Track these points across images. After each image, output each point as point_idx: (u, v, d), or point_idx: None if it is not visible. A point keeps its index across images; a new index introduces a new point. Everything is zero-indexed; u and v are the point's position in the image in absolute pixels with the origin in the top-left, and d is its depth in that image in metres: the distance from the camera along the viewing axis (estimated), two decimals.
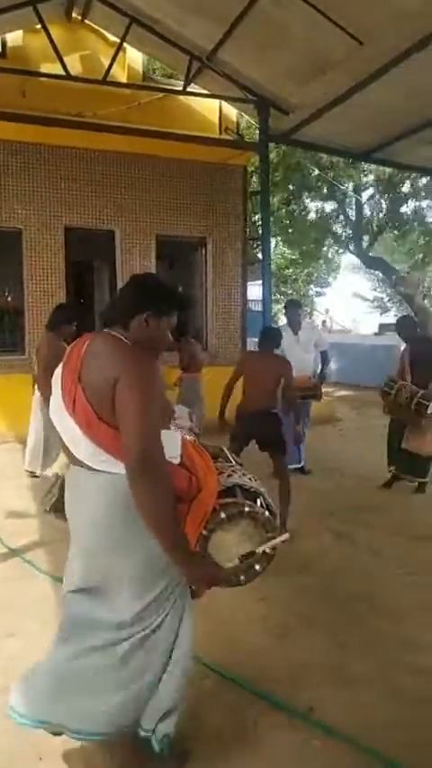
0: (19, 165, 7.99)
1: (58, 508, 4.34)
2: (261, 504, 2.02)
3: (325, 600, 3.27)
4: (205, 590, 1.96)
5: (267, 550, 1.95)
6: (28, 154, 8.00)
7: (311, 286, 25.73)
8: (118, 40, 7.71)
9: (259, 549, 1.92)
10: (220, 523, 1.89)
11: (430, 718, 2.28)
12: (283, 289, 22.37)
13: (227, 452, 2.38)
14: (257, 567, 1.98)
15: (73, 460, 1.83)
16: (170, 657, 1.86)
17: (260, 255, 9.34)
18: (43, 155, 8.02)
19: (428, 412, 5.01)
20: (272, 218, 10.99)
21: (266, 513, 2.00)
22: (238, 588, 3.38)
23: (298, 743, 2.13)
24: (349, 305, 36.46)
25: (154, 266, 8.71)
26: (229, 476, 2.07)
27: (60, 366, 1.85)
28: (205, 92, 8.41)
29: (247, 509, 1.94)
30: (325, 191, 14.79)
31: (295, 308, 6.21)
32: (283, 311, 6.42)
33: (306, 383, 5.82)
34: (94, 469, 1.75)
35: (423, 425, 5.12)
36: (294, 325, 6.02)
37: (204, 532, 1.86)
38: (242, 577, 1.97)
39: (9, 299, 8.37)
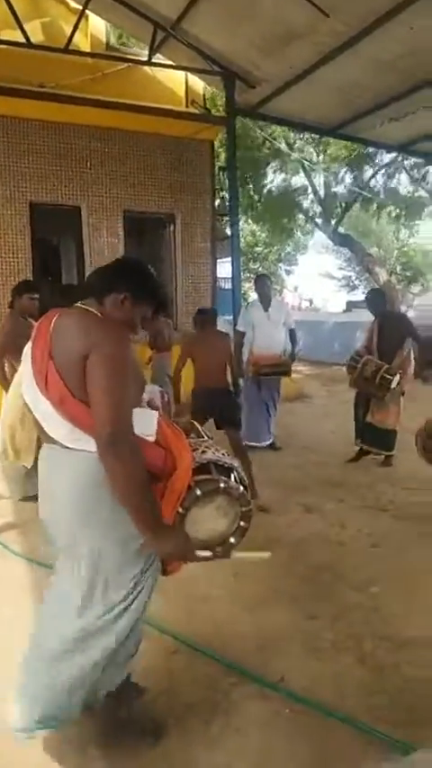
0: None
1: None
2: (235, 478, 2.04)
3: (295, 572, 3.34)
4: (180, 565, 1.97)
5: (242, 523, 2.00)
6: None
7: (281, 264, 25.76)
8: (80, 7, 7.45)
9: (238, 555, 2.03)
10: (195, 500, 1.90)
11: (395, 683, 2.36)
12: (252, 266, 22.35)
13: (198, 427, 2.39)
14: (232, 539, 2.02)
15: (46, 438, 1.81)
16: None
17: (229, 232, 9.26)
18: (5, 127, 7.74)
19: (392, 386, 5.11)
20: (240, 194, 10.90)
21: (241, 487, 2.02)
22: (212, 563, 3.45)
23: (270, 712, 2.19)
24: (317, 283, 36.59)
25: (122, 243, 8.57)
26: (203, 452, 2.08)
27: (30, 343, 1.81)
28: (170, 63, 8.22)
29: (222, 485, 1.96)
30: (291, 166, 14.71)
31: (265, 282, 6.17)
32: (253, 287, 6.40)
33: (276, 360, 5.86)
34: (68, 447, 1.73)
35: (387, 399, 5.22)
36: (265, 300, 5.99)
37: (181, 510, 1.86)
38: (219, 550, 2.00)
39: None
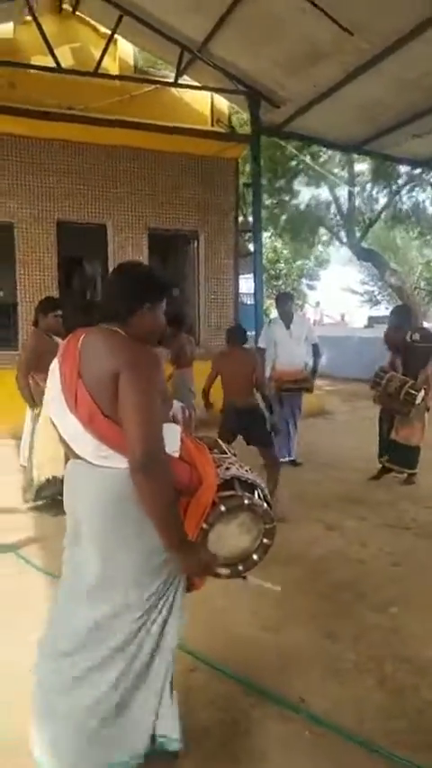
0: (10, 159, 7.95)
1: (50, 505, 4.41)
2: (258, 495, 2.05)
3: (314, 590, 3.31)
4: (203, 582, 1.98)
5: (265, 540, 2.01)
6: (19, 147, 7.97)
7: (303, 279, 25.77)
8: (109, 32, 7.67)
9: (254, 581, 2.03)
10: (219, 517, 1.91)
11: (416, 706, 2.33)
12: (274, 283, 22.40)
13: (221, 444, 2.41)
14: (255, 556, 2.03)
15: (72, 455, 1.83)
16: (154, 655, 1.84)
17: (252, 248, 9.34)
18: (34, 148, 7.99)
19: (417, 402, 5.07)
20: (263, 211, 10.98)
21: (265, 504, 2.03)
22: (229, 580, 3.45)
23: (289, 734, 2.18)
24: (340, 298, 36.49)
25: (146, 260, 8.71)
26: (227, 468, 2.08)
27: (56, 362, 1.84)
28: (197, 84, 8.39)
29: (246, 501, 1.96)
30: (315, 181, 14.78)
31: (287, 301, 6.20)
32: (275, 304, 6.42)
33: (298, 375, 5.86)
34: (95, 465, 1.76)
35: (412, 416, 5.18)
36: (287, 318, 6.02)
37: (205, 526, 1.87)
38: (240, 567, 2.01)
39: (1, 293, 8.36)
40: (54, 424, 1.86)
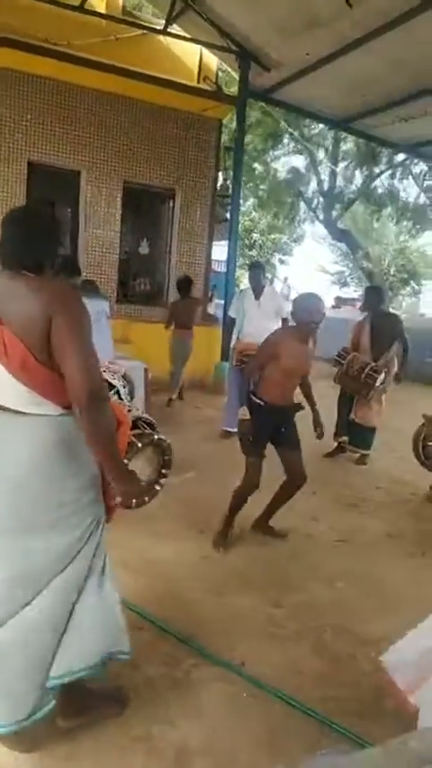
0: None
1: None
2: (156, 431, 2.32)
3: (264, 561, 3.38)
4: (131, 503, 2.07)
5: (164, 471, 2.29)
6: None
7: (276, 253, 25.62)
8: None
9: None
10: (136, 452, 2.11)
11: (353, 676, 2.42)
12: (248, 253, 22.21)
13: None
14: (157, 486, 2.28)
15: None
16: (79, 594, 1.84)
17: (228, 215, 9.18)
18: (10, 81, 7.53)
19: (378, 384, 5.16)
20: (243, 177, 10.79)
21: (167, 440, 2.30)
22: (181, 546, 3.48)
23: (228, 694, 2.23)
24: (310, 276, 36.57)
25: (119, 213, 8.45)
26: (129, 410, 2.34)
27: None
28: (187, 35, 8.05)
29: (156, 437, 2.22)
30: (299, 153, 14.64)
31: (259, 271, 6.09)
32: (247, 274, 6.35)
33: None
34: (23, 413, 1.72)
35: (370, 397, 5.26)
36: (257, 289, 5.95)
37: (125, 461, 2.06)
38: (146, 498, 2.19)
39: None
40: None
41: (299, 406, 3.59)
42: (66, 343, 1.64)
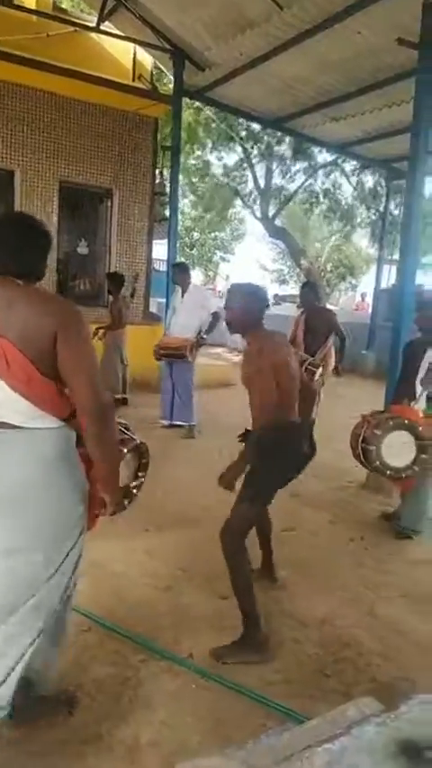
0: None
1: None
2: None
3: (209, 553, 3.41)
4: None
5: (140, 474, 2.30)
6: None
7: (217, 252, 25.80)
8: None
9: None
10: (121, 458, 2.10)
11: (297, 658, 2.51)
12: (189, 252, 22.24)
13: None
14: (134, 490, 2.27)
15: None
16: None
17: (168, 213, 9.17)
18: None
19: (316, 378, 5.32)
20: (181, 175, 10.80)
21: (145, 444, 2.32)
22: (128, 543, 3.48)
23: (176, 687, 2.27)
24: (250, 274, 36.97)
25: (56, 213, 8.31)
26: None
27: None
28: (120, 33, 8.00)
29: (137, 442, 2.23)
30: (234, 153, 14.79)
31: (180, 270, 6.25)
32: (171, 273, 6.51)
33: (177, 343, 5.95)
34: (21, 427, 1.68)
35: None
36: (183, 286, 6.16)
37: None
38: (126, 502, 2.15)
39: None
40: None
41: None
42: (75, 358, 1.65)
